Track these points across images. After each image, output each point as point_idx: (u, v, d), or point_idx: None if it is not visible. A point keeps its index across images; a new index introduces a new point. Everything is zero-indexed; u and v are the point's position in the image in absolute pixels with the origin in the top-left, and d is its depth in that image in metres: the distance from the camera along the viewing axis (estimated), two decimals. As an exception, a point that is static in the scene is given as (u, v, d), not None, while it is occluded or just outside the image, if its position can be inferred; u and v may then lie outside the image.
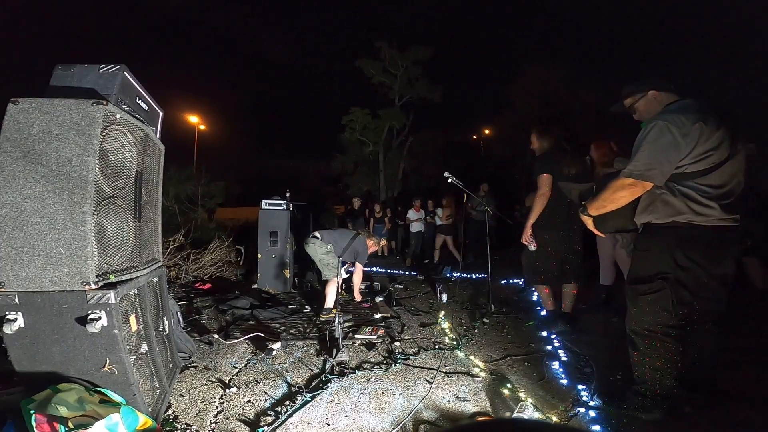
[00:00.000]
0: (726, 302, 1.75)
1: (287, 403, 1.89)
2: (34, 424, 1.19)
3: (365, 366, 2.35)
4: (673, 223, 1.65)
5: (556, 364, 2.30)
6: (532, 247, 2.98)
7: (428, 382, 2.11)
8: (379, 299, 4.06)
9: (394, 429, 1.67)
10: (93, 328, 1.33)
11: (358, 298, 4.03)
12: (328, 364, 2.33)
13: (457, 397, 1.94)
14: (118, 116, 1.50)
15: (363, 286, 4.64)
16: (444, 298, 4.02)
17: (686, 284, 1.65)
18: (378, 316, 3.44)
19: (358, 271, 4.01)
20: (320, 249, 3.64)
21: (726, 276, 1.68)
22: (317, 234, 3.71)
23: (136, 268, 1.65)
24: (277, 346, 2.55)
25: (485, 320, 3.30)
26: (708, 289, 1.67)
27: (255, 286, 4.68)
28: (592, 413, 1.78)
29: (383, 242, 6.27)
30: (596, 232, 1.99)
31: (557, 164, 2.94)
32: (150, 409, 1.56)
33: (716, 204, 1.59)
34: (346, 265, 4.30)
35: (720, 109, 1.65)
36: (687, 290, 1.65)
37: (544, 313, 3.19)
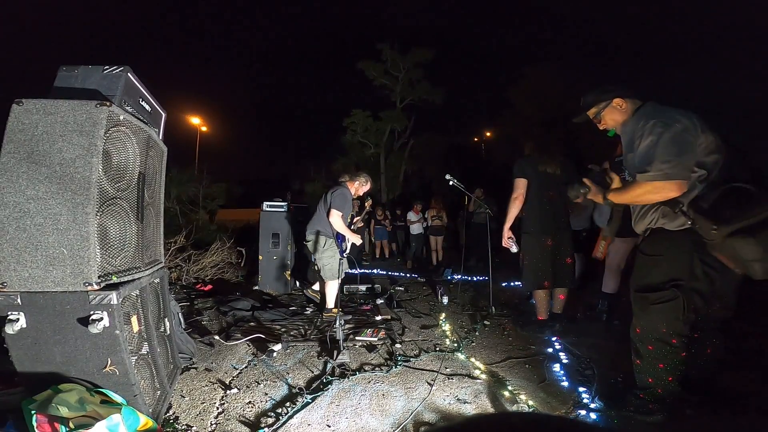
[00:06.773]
0: (734, 308, 1.73)
1: (288, 404, 1.89)
2: (34, 424, 1.20)
3: (366, 368, 2.35)
4: (688, 227, 1.60)
5: (557, 367, 2.29)
6: (514, 249, 3.07)
7: (429, 384, 2.11)
8: (379, 301, 4.06)
9: (394, 431, 1.67)
10: (95, 329, 1.33)
11: (355, 238, 3.59)
12: (329, 366, 2.33)
13: (458, 399, 1.94)
14: (121, 118, 1.51)
15: (364, 288, 4.62)
16: (445, 300, 4.02)
17: (700, 290, 1.61)
18: (379, 318, 3.43)
19: (349, 234, 3.48)
20: (317, 248, 3.53)
21: (738, 281, 1.65)
22: (307, 237, 3.63)
23: (138, 269, 1.65)
24: (277, 347, 2.55)
25: (486, 323, 3.29)
26: (720, 296, 1.65)
27: (256, 287, 4.69)
28: (593, 415, 1.77)
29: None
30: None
31: (533, 166, 2.97)
32: (151, 410, 1.56)
33: None
34: (346, 242, 3.57)
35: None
36: (701, 297, 1.62)
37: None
